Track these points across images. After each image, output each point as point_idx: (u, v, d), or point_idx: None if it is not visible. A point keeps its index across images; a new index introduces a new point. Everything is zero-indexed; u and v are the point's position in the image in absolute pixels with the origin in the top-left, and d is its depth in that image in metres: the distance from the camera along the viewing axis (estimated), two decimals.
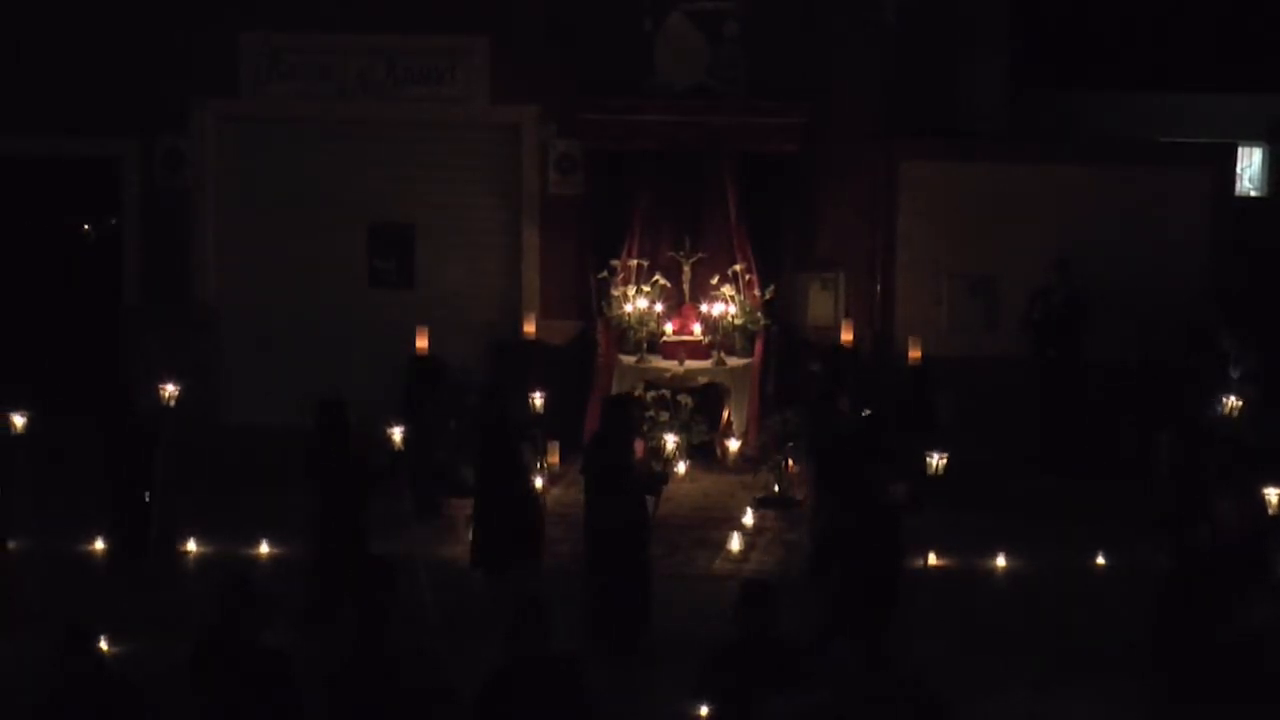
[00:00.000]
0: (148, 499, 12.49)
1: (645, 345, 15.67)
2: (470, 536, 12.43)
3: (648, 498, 11.46)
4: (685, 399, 15.14)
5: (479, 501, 12.36)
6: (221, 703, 7.98)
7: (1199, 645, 10.35)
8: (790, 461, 14.48)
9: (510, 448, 12.23)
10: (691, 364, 15.57)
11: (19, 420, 11.87)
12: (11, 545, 12.83)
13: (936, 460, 11.07)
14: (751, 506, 14.06)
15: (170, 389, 12.31)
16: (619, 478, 11.15)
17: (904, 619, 11.26)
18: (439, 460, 13.87)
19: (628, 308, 15.76)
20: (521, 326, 16.07)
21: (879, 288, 16.34)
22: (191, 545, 12.97)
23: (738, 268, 15.83)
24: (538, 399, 13.00)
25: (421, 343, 15.29)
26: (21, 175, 16.85)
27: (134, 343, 16.29)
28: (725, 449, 15.42)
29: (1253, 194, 19.86)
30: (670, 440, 11.92)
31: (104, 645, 8.13)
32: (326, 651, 8.57)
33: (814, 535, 12.66)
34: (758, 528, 13.80)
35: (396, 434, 11.74)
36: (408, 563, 10.97)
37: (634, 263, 15.95)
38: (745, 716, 8.20)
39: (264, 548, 12.96)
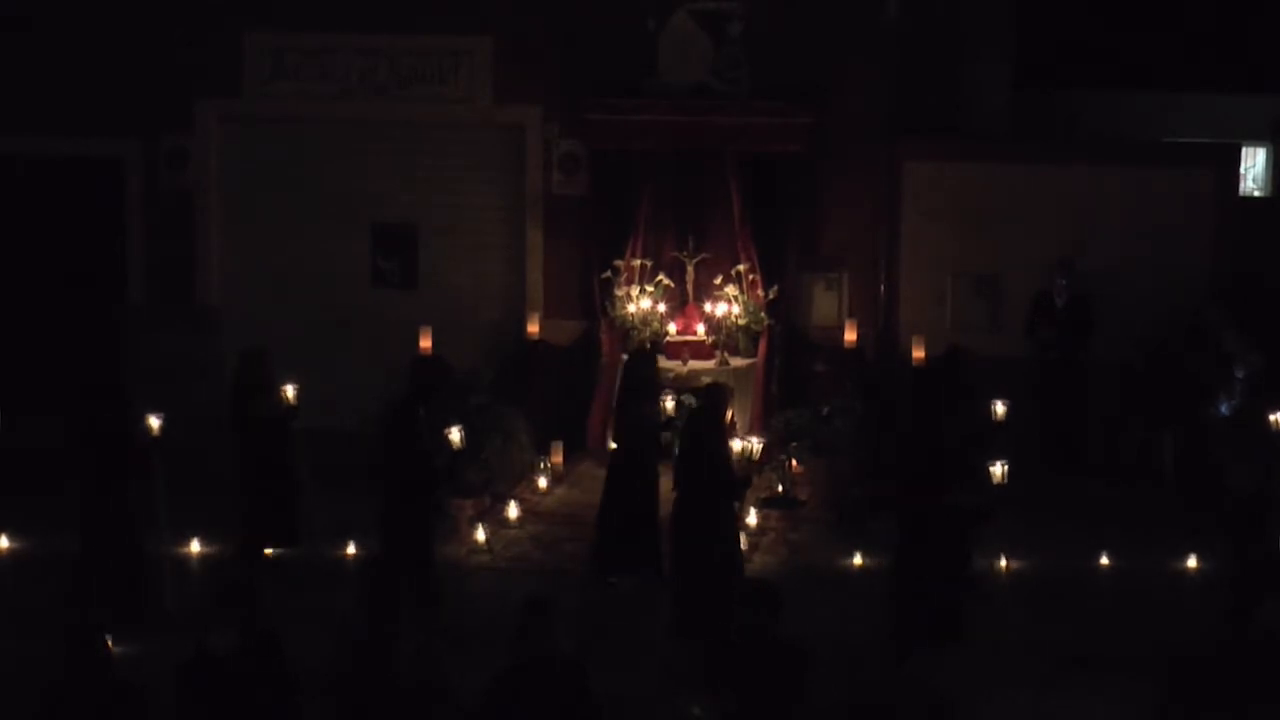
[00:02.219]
0: (286, 497, 12.49)
1: (649, 345, 15.66)
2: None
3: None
4: (689, 399, 15.11)
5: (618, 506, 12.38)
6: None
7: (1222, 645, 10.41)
8: (794, 461, 14.47)
9: (648, 453, 12.19)
10: (695, 364, 15.56)
11: (155, 423, 11.88)
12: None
13: (1001, 469, 11.05)
14: (755, 506, 14.04)
15: (290, 390, 12.39)
16: (716, 480, 11.06)
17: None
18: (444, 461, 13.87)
19: (631, 308, 15.76)
20: (525, 327, 16.09)
21: (883, 288, 16.34)
22: (196, 546, 12.99)
23: (741, 268, 15.82)
24: (669, 403, 12.94)
25: (425, 343, 15.32)
26: (25, 175, 16.85)
27: (136, 342, 16.29)
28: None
29: (1257, 194, 19.84)
30: (756, 443, 11.82)
31: (110, 645, 8.08)
32: (331, 652, 8.56)
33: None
34: (761, 528, 13.80)
35: (455, 435, 11.79)
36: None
37: (637, 263, 15.95)
38: (747, 717, 8.22)
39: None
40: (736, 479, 11.32)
